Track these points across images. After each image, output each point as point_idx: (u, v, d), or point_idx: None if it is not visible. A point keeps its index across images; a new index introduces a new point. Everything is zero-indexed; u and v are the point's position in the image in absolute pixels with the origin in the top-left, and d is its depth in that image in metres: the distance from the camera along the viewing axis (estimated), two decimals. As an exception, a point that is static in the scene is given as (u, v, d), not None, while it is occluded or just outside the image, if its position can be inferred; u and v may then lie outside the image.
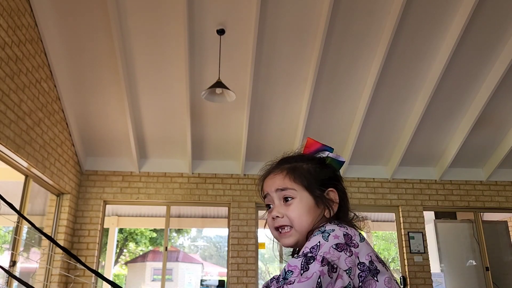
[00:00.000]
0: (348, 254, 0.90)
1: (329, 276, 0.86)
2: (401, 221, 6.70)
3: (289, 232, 1.04)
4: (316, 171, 1.07)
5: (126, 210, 9.04)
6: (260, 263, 7.13)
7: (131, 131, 5.78)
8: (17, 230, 4.58)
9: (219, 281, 6.49)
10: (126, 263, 17.92)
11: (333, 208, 1.04)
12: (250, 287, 6.15)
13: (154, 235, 16.77)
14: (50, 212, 5.76)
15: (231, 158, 6.57)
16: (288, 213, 1.03)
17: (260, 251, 6.62)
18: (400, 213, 6.74)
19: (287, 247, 1.06)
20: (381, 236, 14.90)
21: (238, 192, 6.53)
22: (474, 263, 6.81)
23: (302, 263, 0.87)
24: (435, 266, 6.75)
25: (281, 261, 6.78)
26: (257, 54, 5.03)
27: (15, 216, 4.21)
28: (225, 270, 6.56)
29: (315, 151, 1.12)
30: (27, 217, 3.65)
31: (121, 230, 15.35)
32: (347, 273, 0.89)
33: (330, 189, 1.05)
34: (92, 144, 6.18)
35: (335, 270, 0.87)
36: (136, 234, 16.18)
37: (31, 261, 5.59)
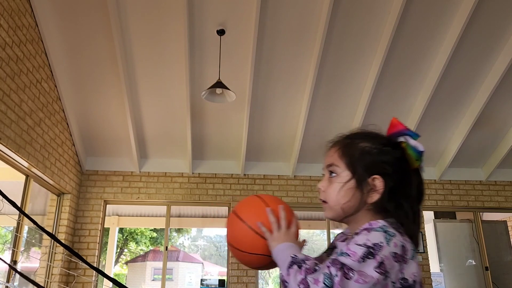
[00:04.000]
0: (398, 268, 0.87)
1: (381, 285, 0.85)
2: (401, 220, 6.70)
3: (324, 206, 1.03)
4: (372, 152, 0.99)
5: (127, 210, 9.06)
6: (260, 263, 7.13)
7: (132, 131, 5.79)
8: (18, 229, 4.59)
9: (219, 280, 6.50)
10: (127, 262, 17.94)
11: (371, 196, 0.97)
12: (250, 287, 6.17)
13: (155, 234, 16.79)
14: (51, 212, 5.77)
15: (231, 158, 6.58)
16: (327, 188, 1.01)
17: (260, 250, 6.62)
18: (400, 213, 6.74)
19: (327, 218, 1.02)
20: (381, 236, 14.88)
21: (238, 192, 6.54)
22: (474, 263, 6.82)
23: (364, 253, 0.85)
24: (434, 266, 6.75)
25: None
26: (257, 54, 5.04)
27: (16, 216, 4.22)
28: (225, 269, 6.57)
29: (395, 134, 1.05)
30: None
31: (121, 230, 15.36)
32: (393, 285, 0.87)
33: (375, 176, 0.97)
34: (92, 144, 6.19)
35: (386, 279, 0.85)
36: (137, 234, 16.20)
37: (32, 261, 5.60)
